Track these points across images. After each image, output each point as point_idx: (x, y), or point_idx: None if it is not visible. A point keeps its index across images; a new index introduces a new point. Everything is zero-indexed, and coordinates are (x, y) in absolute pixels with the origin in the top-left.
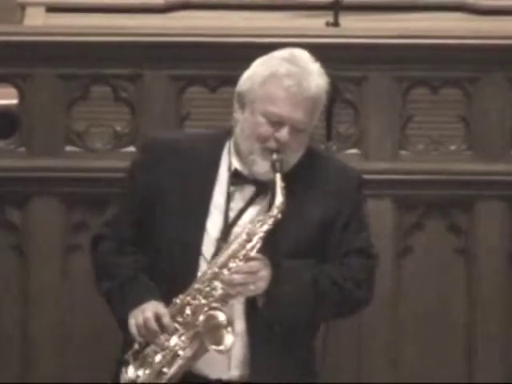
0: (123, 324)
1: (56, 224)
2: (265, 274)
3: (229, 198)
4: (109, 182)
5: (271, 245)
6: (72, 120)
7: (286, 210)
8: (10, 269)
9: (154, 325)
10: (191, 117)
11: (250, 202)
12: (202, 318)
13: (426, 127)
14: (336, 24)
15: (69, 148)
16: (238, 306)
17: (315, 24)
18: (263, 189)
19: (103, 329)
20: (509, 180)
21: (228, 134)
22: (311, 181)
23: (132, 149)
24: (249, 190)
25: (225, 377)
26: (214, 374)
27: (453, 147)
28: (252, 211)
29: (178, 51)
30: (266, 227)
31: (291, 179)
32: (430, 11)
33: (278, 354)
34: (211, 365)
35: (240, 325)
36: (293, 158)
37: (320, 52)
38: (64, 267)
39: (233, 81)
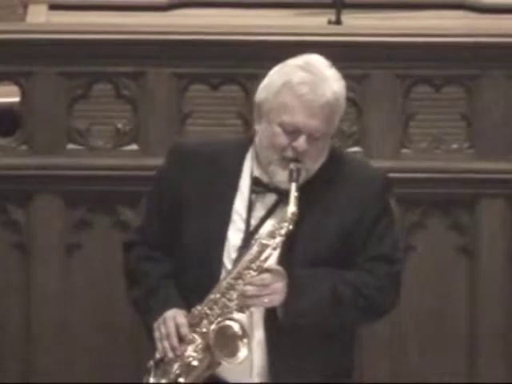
0: (150, 332)
1: (58, 222)
2: (279, 286)
3: (250, 205)
4: (111, 180)
5: (289, 254)
6: (74, 118)
7: (308, 218)
8: (12, 267)
9: (174, 341)
10: (193, 115)
11: (271, 211)
12: (213, 328)
13: (428, 125)
14: (338, 22)
15: (70, 146)
16: (257, 315)
17: (317, 22)
18: (284, 197)
19: (104, 327)
20: (511, 178)
21: (251, 140)
22: (334, 187)
23: (134, 147)
24: (270, 199)
25: (244, 382)
26: (233, 379)
27: (455, 145)
28: (273, 220)
29: (180, 49)
30: (278, 238)
31: (314, 186)
32: (432, 9)
33: (299, 362)
34: (233, 370)
35: (259, 333)
36: (313, 165)
37: (322, 50)
38: (66, 265)
39: (235, 79)
